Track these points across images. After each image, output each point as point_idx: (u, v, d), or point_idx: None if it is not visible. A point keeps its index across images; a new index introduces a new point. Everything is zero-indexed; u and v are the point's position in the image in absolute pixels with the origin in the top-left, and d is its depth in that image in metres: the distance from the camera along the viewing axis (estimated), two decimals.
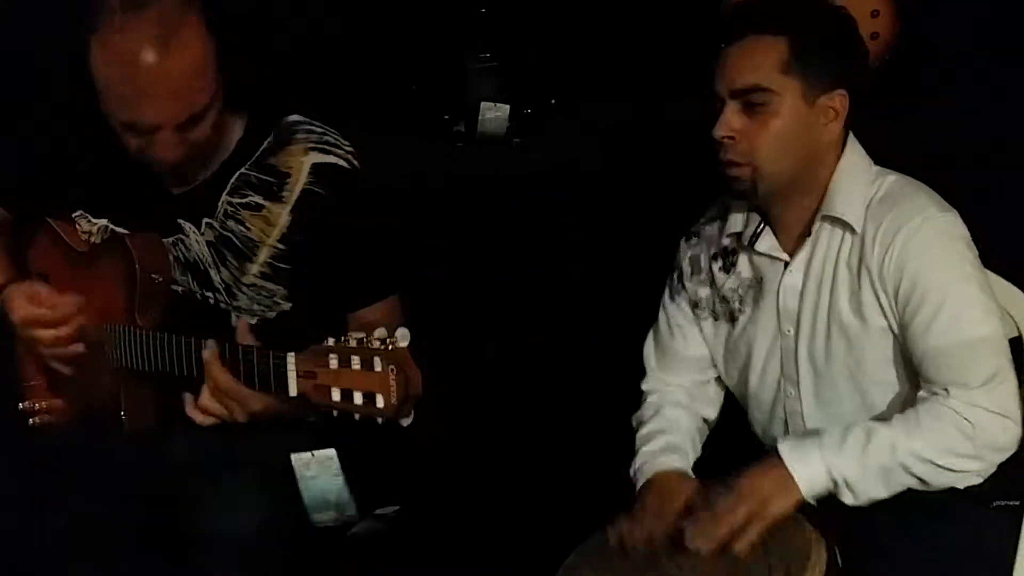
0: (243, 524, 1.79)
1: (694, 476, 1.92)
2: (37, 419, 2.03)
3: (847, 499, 1.71)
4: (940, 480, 1.73)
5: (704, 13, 2.37)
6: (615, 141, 2.53)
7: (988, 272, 1.87)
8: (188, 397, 1.76)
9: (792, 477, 1.70)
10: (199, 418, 1.76)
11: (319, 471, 1.80)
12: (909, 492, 1.73)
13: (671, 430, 1.98)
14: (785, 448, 1.73)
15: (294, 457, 1.80)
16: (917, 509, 1.72)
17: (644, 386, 2.07)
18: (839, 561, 1.70)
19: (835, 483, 1.70)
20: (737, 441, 2.05)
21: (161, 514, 1.90)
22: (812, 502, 1.72)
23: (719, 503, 1.72)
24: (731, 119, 1.79)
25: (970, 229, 1.83)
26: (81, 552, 1.88)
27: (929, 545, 1.70)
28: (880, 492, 1.71)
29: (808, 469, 1.71)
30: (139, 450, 1.95)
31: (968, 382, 1.71)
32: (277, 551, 1.82)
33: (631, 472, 1.95)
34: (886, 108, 2.22)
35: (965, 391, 1.71)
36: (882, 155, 1.90)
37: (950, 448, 1.70)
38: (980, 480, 1.76)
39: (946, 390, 1.72)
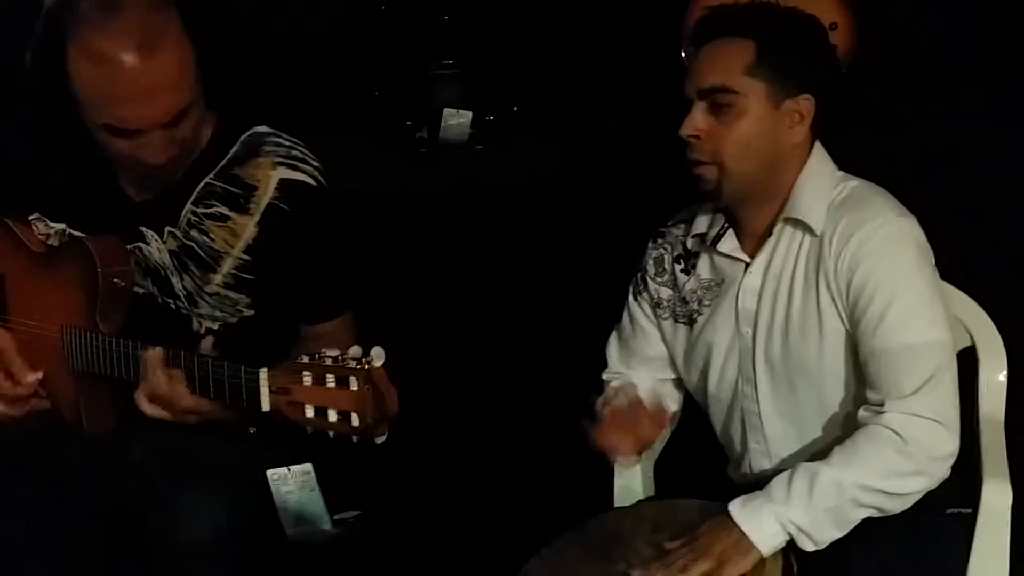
0: (200, 528, 1.78)
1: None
2: None
3: (807, 546, 1.71)
4: (892, 506, 1.73)
5: (669, 23, 2.39)
6: (577, 148, 2.53)
7: (943, 283, 1.91)
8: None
9: (748, 538, 1.69)
10: (146, 409, 1.77)
11: (296, 486, 1.80)
12: None
13: (631, 386, 1.99)
14: (735, 509, 1.72)
15: (270, 473, 1.80)
16: (871, 517, 1.73)
17: (605, 376, 2.09)
18: (794, 567, 1.71)
19: (791, 534, 1.70)
20: (701, 445, 2.08)
21: (118, 517, 1.89)
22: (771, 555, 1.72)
23: (674, 557, 1.72)
24: (697, 119, 1.82)
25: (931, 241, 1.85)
26: (37, 555, 1.86)
27: (884, 552, 1.72)
28: (834, 533, 1.71)
29: (761, 527, 1.70)
30: (98, 451, 1.93)
31: (904, 387, 1.73)
32: (234, 556, 1.81)
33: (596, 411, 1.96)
34: (843, 119, 2.26)
35: (901, 400, 1.73)
36: (841, 166, 1.92)
37: (891, 470, 1.71)
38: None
39: (882, 403, 1.74)
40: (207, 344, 1.81)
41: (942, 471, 1.75)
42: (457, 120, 2.47)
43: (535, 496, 2.41)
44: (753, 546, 1.69)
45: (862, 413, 1.78)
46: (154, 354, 1.74)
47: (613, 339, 2.09)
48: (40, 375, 1.91)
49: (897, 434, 1.71)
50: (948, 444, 1.74)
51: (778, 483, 1.73)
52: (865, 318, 1.78)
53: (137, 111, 1.74)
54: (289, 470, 1.79)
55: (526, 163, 2.52)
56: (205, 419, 1.77)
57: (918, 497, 1.75)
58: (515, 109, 2.55)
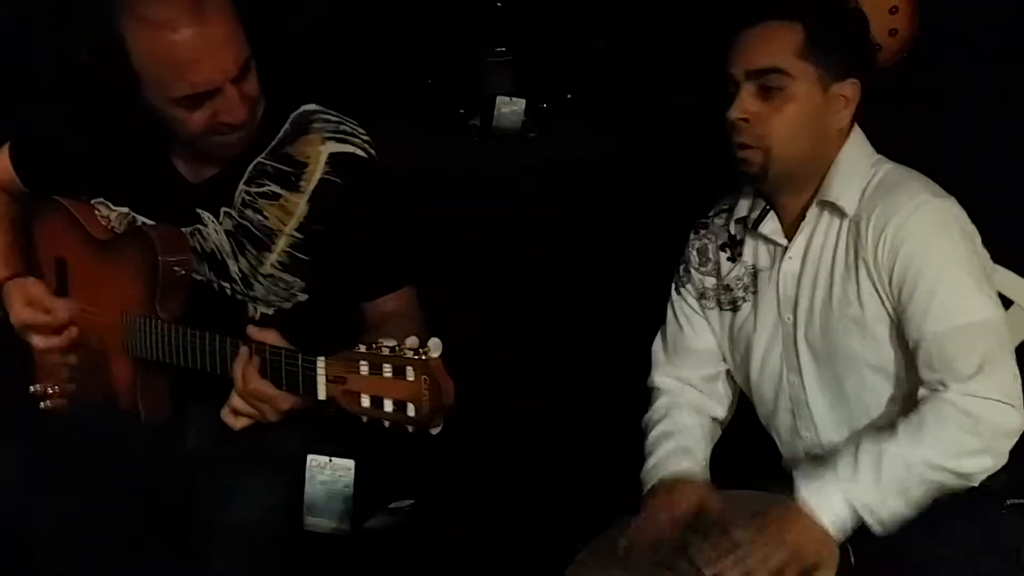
0: (255, 515, 1.79)
1: (704, 479, 1.92)
2: (48, 403, 2.03)
3: (873, 525, 1.68)
4: (955, 484, 1.72)
5: (717, 7, 2.37)
6: (630, 135, 2.52)
7: (1008, 271, 1.89)
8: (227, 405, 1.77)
9: (819, 522, 1.67)
10: (232, 422, 1.77)
11: (331, 478, 1.80)
12: None
13: (681, 432, 1.98)
14: (803, 489, 1.70)
15: (311, 458, 1.81)
16: (930, 508, 1.71)
17: (652, 382, 2.07)
18: (852, 560, 1.70)
19: (860, 515, 1.68)
20: (755, 436, 2.06)
21: (173, 503, 1.91)
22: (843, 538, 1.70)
23: (747, 549, 1.68)
24: (746, 101, 1.81)
25: (984, 226, 1.83)
26: (91, 539, 1.89)
27: (942, 544, 1.70)
28: (902, 510, 1.69)
29: (831, 508, 1.68)
30: (152, 437, 1.95)
31: (961, 371, 1.71)
32: (289, 542, 1.83)
33: (641, 476, 1.96)
34: (904, 104, 2.24)
35: (961, 382, 1.71)
36: (897, 151, 1.90)
37: (959, 449, 1.69)
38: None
39: (944, 384, 1.72)
40: (267, 332, 1.80)
41: (1006, 447, 1.73)
42: (510, 108, 2.46)
43: (589, 486, 2.41)
44: (826, 530, 1.67)
45: (922, 391, 1.75)
46: (243, 354, 1.73)
47: (659, 339, 2.08)
48: (74, 305, 1.95)
49: (964, 413, 1.69)
50: (1015, 420, 1.72)
51: (844, 461, 1.71)
52: (912, 303, 1.76)
53: (209, 69, 1.76)
54: (331, 460, 1.79)
55: (580, 150, 2.52)
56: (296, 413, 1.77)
57: (981, 478, 1.73)
58: (568, 96, 2.54)
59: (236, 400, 1.75)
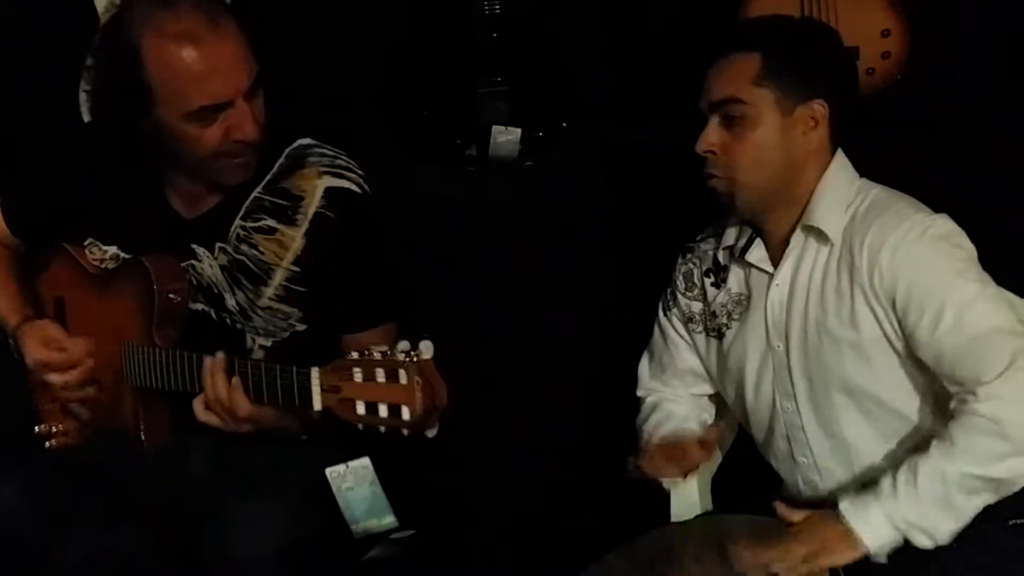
0: (257, 545, 1.79)
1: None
2: (54, 441, 2.03)
3: (923, 542, 1.69)
4: (1002, 491, 1.71)
5: (717, 35, 2.40)
6: (626, 164, 2.54)
7: (1010, 294, 1.87)
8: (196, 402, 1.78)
9: (855, 534, 1.69)
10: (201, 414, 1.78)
11: (355, 481, 1.80)
12: None
13: (673, 414, 2.02)
14: (845, 506, 1.71)
15: (329, 471, 1.81)
16: None
17: (639, 392, 2.10)
18: None
19: (902, 530, 1.69)
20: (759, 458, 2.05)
21: (179, 530, 1.91)
22: (883, 559, 1.70)
23: (777, 538, 1.72)
24: (710, 134, 1.86)
25: (980, 247, 1.83)
26: (101, 569, 1.88)
27: (947, 564, 1.69)
28: (951, 523, 1.69)
29: (871, 525, 1.69)
30: (157, 465, 1.95)
31: (986, 376, 1.70)
32: (294, 567, 1.82)
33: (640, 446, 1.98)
34: (896, 127, 2.25)
35: (986, 386, 1.70)
36: (891, 174, 1.91)
37: (991, 455, 1.68)
38: None
39: (972, 392, 1.71)
40: (258, 356, 1.82)
41: None
42: (506, 137, 2.48)
43: (589, 510, 2.39)
44: (860, 542, 1.68)
45: (953, 404, 1.75)
46: (217, 360, 1.76)
47: (644, 358, 2.11)
48: (91, 343, 1.94)
49: (989, 419, 1.68)
50: None
51: (885, 480, 1.72)
52: (922, 324, 1.75)
53: (224, 81, 1.79)
54: (347, 466, 1.80)
55: (575, 179, 2.53)
56: (260, 428, 1.78)
57: (1021, 483, 1.72)
58: (564, 124, 2.56)
59: (200, 409, 1.78)
